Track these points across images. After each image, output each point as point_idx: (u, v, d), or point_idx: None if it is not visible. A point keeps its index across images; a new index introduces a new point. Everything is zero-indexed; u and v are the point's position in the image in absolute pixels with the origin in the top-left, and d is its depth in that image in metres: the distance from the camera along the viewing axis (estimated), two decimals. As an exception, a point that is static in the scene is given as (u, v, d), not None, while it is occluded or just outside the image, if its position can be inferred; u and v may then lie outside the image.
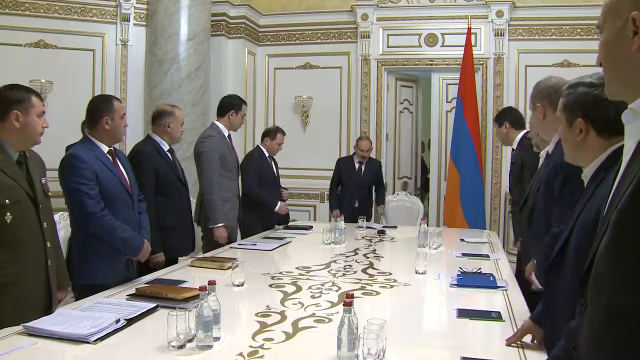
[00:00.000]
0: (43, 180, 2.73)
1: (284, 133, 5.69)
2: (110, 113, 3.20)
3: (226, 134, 4.79)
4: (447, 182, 6.93)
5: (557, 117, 1.92)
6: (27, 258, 2.47)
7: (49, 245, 2.61)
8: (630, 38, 1.06)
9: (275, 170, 5.62)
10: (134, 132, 6.92)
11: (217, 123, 4.82)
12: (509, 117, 4.69)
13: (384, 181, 6.71)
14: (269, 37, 7.91)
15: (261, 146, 5.60)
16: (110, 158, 3.23)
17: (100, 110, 3.21)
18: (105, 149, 3.21)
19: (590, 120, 1.74)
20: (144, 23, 6.90)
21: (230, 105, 4.81)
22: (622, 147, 1.33)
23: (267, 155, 5.56)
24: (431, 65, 7.38)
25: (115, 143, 3.33)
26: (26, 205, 2.50)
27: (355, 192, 6.26)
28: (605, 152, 1.70)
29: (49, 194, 2.79)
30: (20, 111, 2.51)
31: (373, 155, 7.50)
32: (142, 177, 3.70)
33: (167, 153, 4.06)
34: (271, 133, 5.62)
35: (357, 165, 6.33)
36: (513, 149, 4.63)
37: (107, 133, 3.21)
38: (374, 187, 6.43)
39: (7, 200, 2.39)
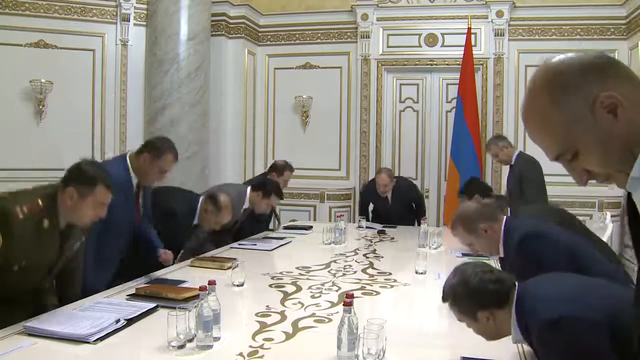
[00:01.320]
0: (77, 244, 2.59)
1: (292, 170, 5.63)
2: (154, 157, 3.23)
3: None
4: (447, 182, 6.93)
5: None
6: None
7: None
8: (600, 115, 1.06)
9: None
10: (134, 133, 6.94)
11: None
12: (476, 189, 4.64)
13: (421, 194, 6.33)
14: (269, 37, 7.90)
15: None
16: (135, 191, 3.22)
17: (150, 147, 3.27)
18: (135, 180, 3.20)
19: (486, 307, 1.89)
20: (144, 23, 6.90)
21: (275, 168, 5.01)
22: (519, 299, 1.84)
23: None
24: (431, 65, 7.38)
25: (141, 183, 3.33)
26: (36, 278, 2.43)
27: (391, 217, 5.83)
28: (511, 314, 1.87)
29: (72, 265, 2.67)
30: (78, 191, 2.36)
31: (373, 153, 7.53)
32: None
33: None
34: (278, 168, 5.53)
35: (383, 196, 5.87)
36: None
37: (139, 169, 3.22)
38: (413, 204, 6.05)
39: (23, 262, 2.29)
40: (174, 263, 3.63)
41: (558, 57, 1.13)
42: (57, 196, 2.37)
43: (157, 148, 3.23)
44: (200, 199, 4.01)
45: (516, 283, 1.94)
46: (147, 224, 3.52)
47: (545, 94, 1.11)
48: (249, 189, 4.83)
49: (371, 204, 6.14)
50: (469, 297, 1.92)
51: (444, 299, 2.02)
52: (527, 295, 1.86)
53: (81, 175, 2.39)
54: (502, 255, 2.81)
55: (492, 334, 1.97)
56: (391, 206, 5.89)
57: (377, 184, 5.80)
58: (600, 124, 1.06)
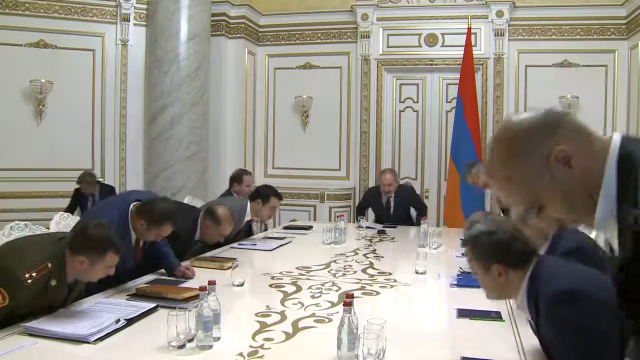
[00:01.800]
0: (79, 288, 2.65)
1: (249, 173, 5.57)
2: (151, 223, 3.11)
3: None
4: (447, 182, 6.92)
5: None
6: None
7: None
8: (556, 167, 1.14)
9: None
10: (134, 133, 6.95)
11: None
12: None
13: (423, 203, 6.26)
14: (269, 37, 7.90)
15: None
16: (133, 242, 3.18)
17: (147, 213, 3.13)
18: (133, 238, 3.16)
19: (505, 263, 1.91)
20: (144, 23, 6.90)
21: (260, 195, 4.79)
22: (537, 265, 1.86)
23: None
24: (431, 65, 7.38)
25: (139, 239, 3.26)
26: (42, 313, 2.42)
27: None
28: (524, 280, 1.89)
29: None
30: (88, 258, 2.40)
31: (373, 153, 7.53)
32: None
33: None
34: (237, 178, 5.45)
35: (384, 200, 5.95)
36: None
37: (137, 232, 3.15)
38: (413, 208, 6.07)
39: (26, 310, 2.34)
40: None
41: (512, 119, 1.23)
42: (66, 258, 2.41)
43: (156, 218, 3.11)
44: (200, 215, 4.02)
45: (539, 253, 1.98)
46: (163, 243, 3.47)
47: (503, 157, 1.21)
48: (248, 202, 4.80)
49: (371, 209, 6.15)
50: (491, 246, 1.94)
51: (466, 242, 2.05)
52: (546, 266, 1.89)
53: (91, 243, 2.42)
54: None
55: (497, 292, 2.00)
56: (392, 214, 5.93)
57: (381, 183, 5.88)
58: (558, 178, 1.15)
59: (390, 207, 5.95)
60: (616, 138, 1.15)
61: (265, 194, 4.78)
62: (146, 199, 3.23)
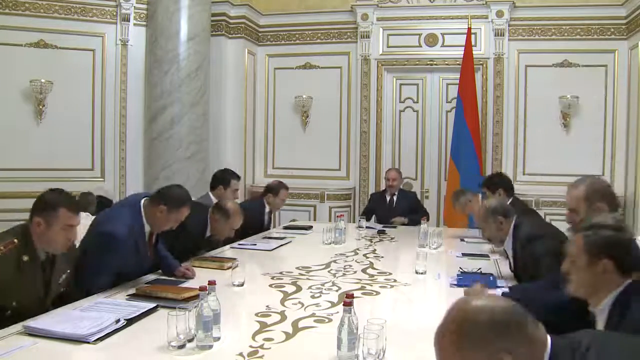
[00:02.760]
0: (64, 276, 2.67)
1: (287, 188, 5.56)
2: (171, 208, 3.12)
3: None
4: (447, 182, 6.93)
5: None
6: None
7: None
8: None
9: None
10: (134, 133, 6.95)
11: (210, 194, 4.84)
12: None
13: (424, 209, 6.28)
14: (269, 37, 7.90)
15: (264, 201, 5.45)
16: (148, 238, 3.18)
17: (166, 198, 3.15)
18: (147, 228, 3.15)
19: (617, 261, 1.85)
20: (144, 23, 6.90)
21: (219, 180, 4.86)
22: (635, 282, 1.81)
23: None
24: (431, 65, 7.38)
25: (153, 231, 3.23)
26: (32, 306, 2.45)
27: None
28: (620, 286, 1.84)
29: (63, 289, 2.71)
30: (44, 219, 2.44)
31: (373, 153, 7.53)
32: None
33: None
34: (274, 189, 5.47)
35: (388, 198, 6.18)
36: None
37: (154, 220, 3.13)
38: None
39: (14, 303, 2.37)
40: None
41: (472, 305, 1.32)
42: (29, 230, 2.46)
43: (175, 201, 3.12)
44: (209, 211, 4.02)
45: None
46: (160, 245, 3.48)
47: (454, 341, 1.29)
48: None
49: (376, 213, 6.21)
50: (611, 240, 1.87)
51: (582, 227, 1.98)
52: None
53: (44, 204, 2.47)
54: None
55: (590, 288, 1.90)
56: (394, 209, 6.05)
57: (386, 179, 6.10)
58: None
59: (394, 203, 6.08)
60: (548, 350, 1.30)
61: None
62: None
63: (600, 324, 1.87)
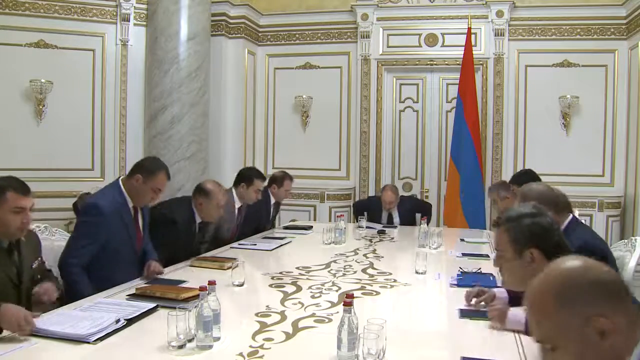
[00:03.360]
0: (34, 265, 2.69)
1: (292, 179, 5.54)
2: (146, 177, 3.22)
3: (237, 205, 4.77)
4: (447, 182, 6.93)
5: None
6: None
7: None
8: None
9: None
10: (134, 133, 6.95)
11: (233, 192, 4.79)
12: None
13: (428, 204, 6.20)
14: (269, 37, 7.90)
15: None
16: (133, 213, 3.25)
17: (141, 168, 3.25)
18: (130, 203, 3.23)
19: (541, 249, 1.86)
20: (144, 23, 6.90)
21: (242, 178, 4.81)
22: None
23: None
24: (431, 65, 7.38)
25: (136, 204, 3.30)
26: (8, 292, 2.47)
27: None
28: None
29: (39, 276, 2.73)
30: None
31: (373, 153, 7.53)
32: None
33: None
34: (278, 180, 5.46)
35: (385, 215, 5.93)
36: None
37: (133, 190, 3.23)
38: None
39: None
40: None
41: (576, 263, 1.26)
42: None
43: (149, 168, 3.25)
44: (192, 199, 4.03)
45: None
46: (146, 239, 3.52)
47: (551, 294, 1.23)
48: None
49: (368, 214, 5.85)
50: (532, 229, 1.88)
51: (502, 220, 1.97)
52: None
53: None
54: None
55: (520, 279, 1.91)
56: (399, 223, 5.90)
57: (382, 201, 5.87)
58: (586, 340, 1.18)
59: (393, 219, 5.91)
60: None
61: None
62: None
63: None
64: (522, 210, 1.96)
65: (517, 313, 2.27)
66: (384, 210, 5.95)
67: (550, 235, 1.88)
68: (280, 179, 5.43)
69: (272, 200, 5.42)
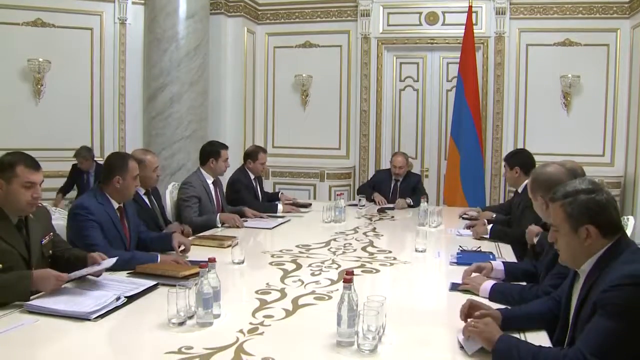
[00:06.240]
0: (44, 241, 2.69)
1: (265, 152, 5.48)
2: (122, 173, 3.19)
3: (209, 181, 4.67)
4: (447, 161, 6.92)
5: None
6: None
7: None
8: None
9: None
10: (133, 112, 6.93)
11: (201, 170, 4.70)
12: (520, 163, 4.32)
13: (425, 193, 5.84)
14: (268, 15, 7.84)
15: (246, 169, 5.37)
16: (119, 215, 3.24)
17: (114, 169, 3.20)
18: (115, 205, 3.22)
19: (598, 226, 1.86)
20: (143, 1, 6.84)
21: (210, 153, 4.71)
22: (618, 242, 1.85)
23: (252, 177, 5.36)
24: (432, 43, 7.33)
25: (125, 200, 3.31)
26: (20, 267, 2.46)
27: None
28: (602, 248, 1.88)
29: (50, 251, 2.75)
30: (3, 179, 2.46)
31: (373, 132, 7.51)
32: None
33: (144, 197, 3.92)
34: (252, 154, 5.38)
35: (392, 183, 5.88)
36: (517, 192, 4.41)
37: (117, 192, 3.21)
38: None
39: (0, 266, 2.38)
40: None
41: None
42: None
43: (120, 165, 3.22)
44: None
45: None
46: (144, 231, 3.53)
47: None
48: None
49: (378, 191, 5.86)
50: (588, 205, 1.87)
51: (559, 195, 1.95)
52: (629, 247, 1.88)
53: (2, 165, 2.50)
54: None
55: (576, 255, 1.93)
56: (396, 196, 5.82)
57: (392, 165, 5.84)
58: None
59: (397, 191, 5.87)
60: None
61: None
62: None
63: (579, 284, 1.95)
64: (579, 186, 1.93)
65: (486, 286, 2.53)
66: (393, 177, 5.85)
67: (607, 212, 1.87)
68: (254, 153, 5.36)
69: (252, 176, 5.34)
